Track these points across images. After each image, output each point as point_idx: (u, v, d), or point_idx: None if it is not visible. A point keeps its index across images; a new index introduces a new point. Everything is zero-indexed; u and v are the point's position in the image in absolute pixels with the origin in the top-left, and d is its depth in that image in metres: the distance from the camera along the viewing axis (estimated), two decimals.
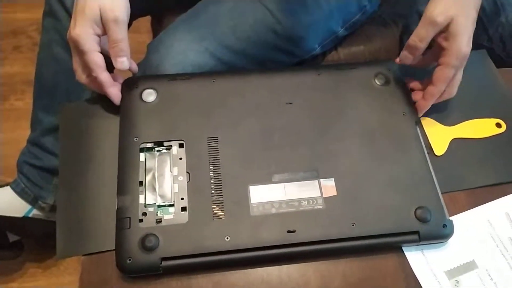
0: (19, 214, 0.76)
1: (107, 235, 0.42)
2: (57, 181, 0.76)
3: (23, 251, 0.83)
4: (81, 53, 0.46)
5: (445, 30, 0.45)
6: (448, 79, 0.46)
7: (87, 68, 0.46)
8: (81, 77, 0.48)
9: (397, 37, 0.71)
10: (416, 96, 0.50)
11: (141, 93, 0.48)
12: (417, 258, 0.44)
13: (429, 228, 0.43)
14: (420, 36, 0.46)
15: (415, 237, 0.43)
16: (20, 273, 0.87)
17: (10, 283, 0.86)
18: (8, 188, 0.76)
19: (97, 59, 0.46)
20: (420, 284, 0.43)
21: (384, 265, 0.43)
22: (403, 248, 0.44)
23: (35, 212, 0.77)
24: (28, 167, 0.75)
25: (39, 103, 0.74)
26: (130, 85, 0.49)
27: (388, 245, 0.43)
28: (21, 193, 0.75)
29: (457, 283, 0.43)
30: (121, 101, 0.48)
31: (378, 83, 0.51)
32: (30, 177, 0.75)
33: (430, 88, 0.47)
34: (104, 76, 0.46)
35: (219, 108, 0.48)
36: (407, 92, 0.50)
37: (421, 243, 0.43)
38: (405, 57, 0.49)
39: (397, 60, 0.50)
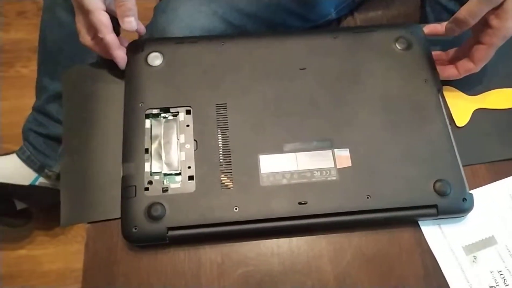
0: (25, 182, 0.76)
1: (113, 203, 0.41)
2: None
3: (31, 219, 0.83)
4: (86, 12, 0.43)
5: (498, 7, 0.40)
6: (489, 58, 0.43)
7: (93, 29, 0.44)
8: (86, 38, 0.46)
9: (418, 1, 0.67)
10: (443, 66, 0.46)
11: (146, 56, 0.46)
12: (433, 232, 0.42)
13: (448, 202, 0.41)
14: (472, 12, 0.41)
15: (433, 211, 0.41)
16: (28, 240, 0.88)
17: (18, 250, 0.87)
18: (14, 156, 0.75)
19: (103, 18, 0.43)
20: (436, 259, 0.41)
21: (399, 239, 0.42)
22: (419, 222, 0.42)
23: (41, 181, 0.77)
24: (34, 134, 0.74)
25: (43, 69, 0.72)
26: (136, 48, 0.46)
27: (404, 219, 0.42)
28: (27, 161, 0.75)
29: (475, 259, 0.41)
30: (126, 65, 0.46)
31: (399, 47, 0.47)
32: (36, 145, 0.74)
33: (468, 65, 0.44)
34: (111, 37, 0.44)
35: (229, 73, 0.45)
36: (430, 58, 0.47)
37: (439, 217, 0.41)
38: (451, 30, 0.44)
39: (427, 29, 0.46)
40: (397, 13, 0.67)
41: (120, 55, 0.45)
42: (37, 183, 0.77)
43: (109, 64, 0.46)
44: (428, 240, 0.42)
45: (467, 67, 0.44)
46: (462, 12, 0.42)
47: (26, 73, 1.08)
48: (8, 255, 0.86)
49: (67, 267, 0.86)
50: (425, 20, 0.55)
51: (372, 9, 0.67)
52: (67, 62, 0.69)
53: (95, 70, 0.48)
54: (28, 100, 0.83)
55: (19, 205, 0.78)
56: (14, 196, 0.76)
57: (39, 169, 0.75)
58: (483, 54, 0.43)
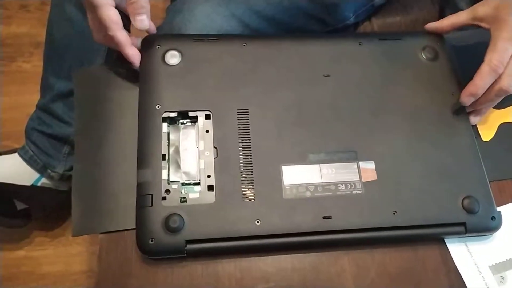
0: (27, 182, 0.73)
1: (127, 212, 0.39)
2: (67, 149, 0.73)
3: (31, 219, 0.80)
4: (94, 8, 0.41)
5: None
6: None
7: (103, 26, 0.42)
8: (98, 36, 0.43)
9: (437, 7, 0.65)
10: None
11: (163, 54, 0.43)
12: (460, 250, 0.41)
13: (477, 220, 0.40)
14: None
15: (462, 229, 0.39)
16: (27, 241, 0.85)
17: (17, 250, 0.84)
18: (16, 155, 0.73)
19: (111, 14, 0.41)
20: (462, 278, 0.40)
21: (425, 256, 0.40)
22: (445, 239, 0.41)
23: (44, 181, 0.74)
24: (37, 134, 0.72)
25: (49, 67, 0.70)
26: (151, 44, 0.43)
27: (431, 237, 0.40)
28: (29, 161, 0.72)
29: (503, 279, 0.40)
30: (140, 63, 0.43)
31: (425, 57, 0.46)
32: (39, 144, 0.72)
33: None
34: (121, 34, 0.41)
35: (250, 76, 0.43)
36: (456, 70, 0.45)
37: (466, 235, 0.40)
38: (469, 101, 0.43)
39: (428, 26, 0.45)
40: (415, 19, 0.66)
41: (132, 53, 0.42)
42: (39, 184, 0.74)
43: (122, 63, 0.44)
44: (454, 258, 0.40)
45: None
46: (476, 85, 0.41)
47: (28, 68, 1.05)
48: (6, 256, 0.83)
49: (67, 269, 0.84)
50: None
51: (390, 14, 0.66)
52: (74, 60, 0.67)
53: (109, 71, 0.46)
54: (30, 96, 0.80)
55: (20, 206, 0.76)
56: (15, 196, 0.74)
57: (42, 170, 0.73)
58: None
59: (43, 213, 0.79)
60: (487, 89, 0.41)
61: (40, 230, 0.86)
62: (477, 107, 0.43)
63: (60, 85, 0.69)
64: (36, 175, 0.73)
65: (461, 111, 0.44)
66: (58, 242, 0.86)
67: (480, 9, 0.43)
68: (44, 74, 0.71)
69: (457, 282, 0.39)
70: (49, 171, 0.73)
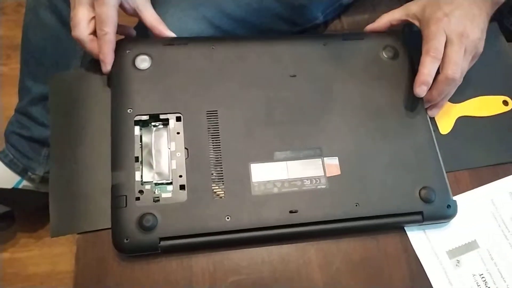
0: (8, 185, 0.74)
1: (103, 213, 0.41)
2: (46, 152, 0.74)
3: (14, 222, 0.81)
4: (99, 3, 0.42)
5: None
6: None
7: (93, 23, 0.43)
8: (82, 32, 0.43)
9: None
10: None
11: (133, 59, 0.44)
12: (419, 237, 0.43)
13: (433, 209, 0.42)
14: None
15: (419, 217, 0.42)
16: (11, 242, 0.86)
17: (2, 252, 0.85)
18: None
19: (115, 15, 0.42)
20: (421, 263, 0.42)
21: (386, 244, 0.43)
22: (405, 228, 0.44)
23: (25, 183, 0.75)
24: (16, 137, 0.72)
25: (26, 70, 0.70)
26: (121, 49, 0.45)
27: (391, 226, 0.43)
28: (9, 164, 0.73)
29: (458, 262, 0.43)
30: (112, 68, 0.44)
31: (386, 56, 0.48)
32: (19, 147, 0.73)
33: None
34: (114, 36, 0.43)
35: (219, 78, 0.45)
36: (415, 67, 0.48)
37: (424, 223, 0.43)
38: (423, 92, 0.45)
39: (368, 28, 0.47)
40: None
41: (112, 58, 0.44)
42: (20, 186, 0.75)
43: (96, 68, 0.46)
44: (414, 245, 0.43)
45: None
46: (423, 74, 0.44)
47: (6, 71, 1.05)
48: None
49: (52, 269, 0.85)
50: (410, 25, 0.56)
51: (359, 12, 0.68)
52: (50, 64, 0.68)
53: (83, 76, 0.47)
54: (8, 98, 0.81)
55: (2, 209, 0.77)
56: None
57: (22, 172, 0.74)
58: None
59: (25, 214, 0.80)
60: (436, 82, 0.44)
61: (24, 232, 0.87)
62: (433, 101, 0.46)
63: (37, 88, 0.69)
64: (17, 178, 0.74)
65: (420, 107, 0.46)
66: (43, 243, 0.88)
67: (412, 7, 0.47)
68: (21, 77, 0.72)
69: (417, 267, 0.42)
70: (29, 173, 0.74)
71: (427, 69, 0.43)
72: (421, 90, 0.44)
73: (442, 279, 0.42)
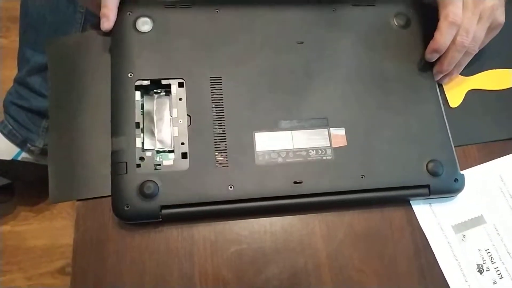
0: (7, 157, 0.73)
1: (103, 179, 0.40)
2: (46, 124, 0.73)
3: (14, 195, 0.81)
4: None
5: None
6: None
7: None
8: None
9: None
10: None
11: (134, 21, 0.43)
12: (424, 211, 0.43)
13: (440, 182, 0.41)
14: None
15: (425, 191, 0.41)
16: (11, 216, 0.86)
17: (2, 225, 0.85)
18: None
19: None
20: (426, 237, 0.42)
21: (391, 217, 0.42)
22: (410, 201, 0.43)
23: (24, 155, 0.75)
24: (15, 108, 0.71)
25: (25, 40, 0.69)
26: (122, 11, 0.43)
27: (397, 198, 0.42)
28: (8, 135, 0.72)
29: (464, 237, 0.42)
30: (112, 31, 0.43)
31: (397, 24, 0.46)
32: (18, 118, 0.72)
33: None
34: None
35: (223, 43, 0.43)
36: (427, 38, 0.46)
37: (430, 197, 0.42)
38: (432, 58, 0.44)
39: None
40: None
41: (115, 15, 0.42)
42: (19, 158, 0.74)
43: (97, 33, 0.44)
44: (419, 218, 0.42)
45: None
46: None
47: (6, 43, 1.03)
48: None
49: (53, 243, 0.85)
50: None
51: None
52: (49, 32, 0.66)
53: (82, 40, 0.45)
54: (8, 72, 0.79)
55: (1, 181, 0.76)
56: None
57: (22, 144, 0.73)
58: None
59: (25, 187, 0.80)
60: (447, 49, 0.43)
61: (24, 205, 0.87)
62: (444, 71, 0.44)
63: (36, 58, 0.68)
64: (16, 149, 0.73)
65: (430, 79, 0.45)
66: (43, 217, 0.88)
67: None
68: (20, 47, 0.70)
69: (421, 241, 0.42)
70: (29, 145, 0.73)
71: (444, 37, 0.42)
72: (431, 56, 0.43)
73: (447, 254, 0.41)
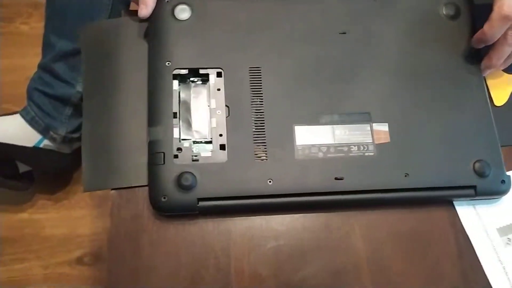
0: (29, 143, 0.72)
1: (137, 169, 0.39)
2: (69, 111, 0.72)
3: (33, 182, 0.80)
4: None
5: None
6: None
7: None
8: None
9: None
10: None
11: (173, 8, 0.42)
12: (468, 213, 0.41)
13: (487, 183, 0.40)
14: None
15: (471, 191, 0.40)
16: (30, 204, 0.86)
17: (20, 213, 0.85)
18: (17, 116, 0.72)
19: None
20: (469, 239, 0.40)
21: (433, 218, 0.41)
22: (454, 202, 0.41)
23: (46, 143, 0.74)
24: (39, 94, 0.70)
25: (50, 26, 0.68)
26: None
27: (441, 199, 0.40)
28: (31, 122, 0.71)
29: (509, 241, 0.40)
30: (150, 18, 0.42)
31: (446, 14, 0.44)
32: (41, 105, 0.71)
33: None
34: None
35: (263, 33, 0.42)
36: (477, 31, 0.44)
37: (476, 198, 0.40)
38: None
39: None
40: None
41: (154, 1, 0.41)
42: (41, 146, 0.73)
43: (131, 18, 0.43)
44: (463, 220, 0.41)
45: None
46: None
47: (27, 30, 1.02)
48: (10, 218, 0.83)
49: (71, 232, 0.84)
50: None
51: None
52: (75, 18, 0.65)
53: (116, 26, 0.44)
54: (29, 58, 0.78)
55: (22, 168, 0.75)
56: (17, 157, 0.73)
57: (44, 131, 0.72)
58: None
59: (44, 176, 0.79)
60: (495, 44, 0.40)
61: (43, 193, 0.86)
62: (493, 67, 0.42)
63: (61, 44, 0.67)
64: (38, 136, 0.72)
65: (478, 75, 0.43)
66: (61, 206, 0.87)
67: None
68: (45, 33, 0.69)
69: (465, 243, 0.40)
70: (51, 132, 0.72)
71: (494, 27, 0.39)
72: (477, 44, 0.42)
73: (491, 257, 0.40)
